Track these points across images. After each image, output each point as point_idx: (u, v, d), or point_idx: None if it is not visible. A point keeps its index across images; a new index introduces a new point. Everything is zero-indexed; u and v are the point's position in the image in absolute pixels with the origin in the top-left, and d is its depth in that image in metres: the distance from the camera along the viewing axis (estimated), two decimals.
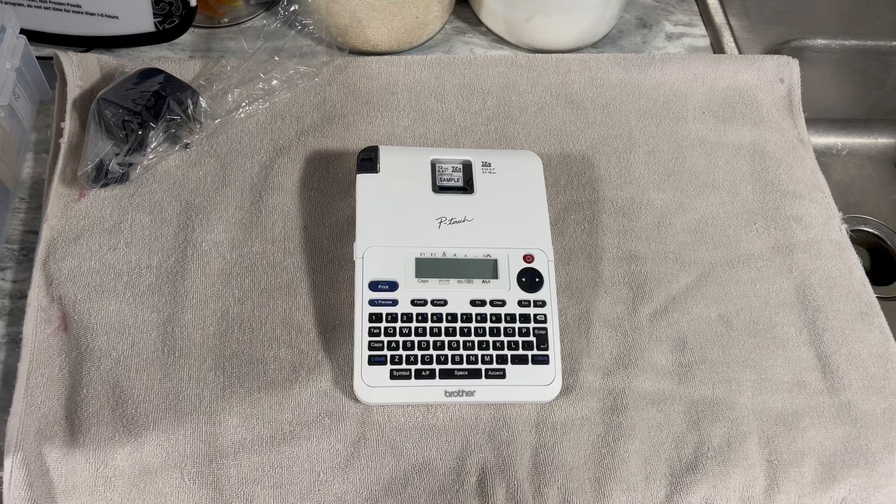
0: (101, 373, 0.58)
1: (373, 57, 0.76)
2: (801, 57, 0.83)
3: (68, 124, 0.68)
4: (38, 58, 0.71)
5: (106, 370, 0.58)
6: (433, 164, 0.65)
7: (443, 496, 0.56)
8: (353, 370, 0.57)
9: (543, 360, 0.58)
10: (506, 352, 0.58)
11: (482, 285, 0.60)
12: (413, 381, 0.57)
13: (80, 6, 0.72)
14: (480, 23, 0.83)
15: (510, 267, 0.61)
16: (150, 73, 0.67)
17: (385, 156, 0.64)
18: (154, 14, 0.74)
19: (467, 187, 0.64)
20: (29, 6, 0.72)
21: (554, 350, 0.58)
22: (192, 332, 0.60)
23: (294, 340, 0.61)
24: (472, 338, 0.58)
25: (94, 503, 0.54)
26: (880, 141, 0.97)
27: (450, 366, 0.57)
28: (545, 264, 0.61)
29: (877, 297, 0.67)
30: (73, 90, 0.69)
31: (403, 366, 0.57)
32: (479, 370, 0.57)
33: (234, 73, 0.71)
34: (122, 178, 0.65)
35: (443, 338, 0.58)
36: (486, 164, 0.65)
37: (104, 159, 0.64)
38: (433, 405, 0.59)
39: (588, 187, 0.71)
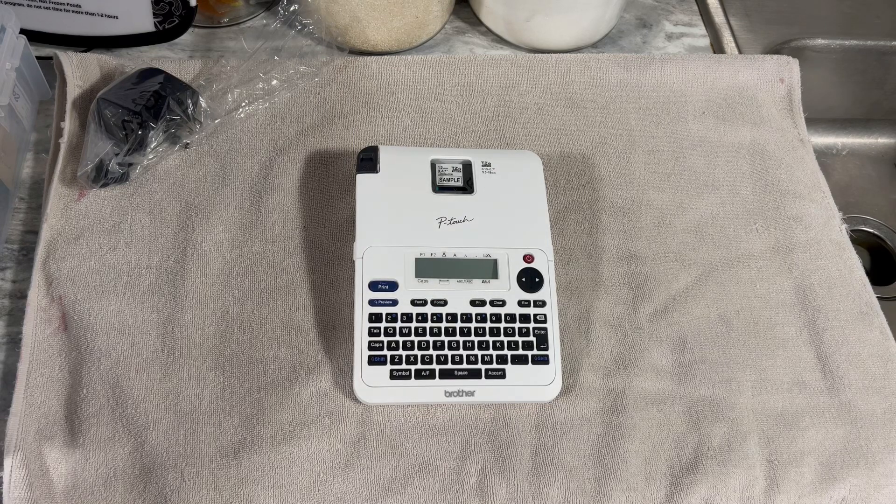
0: (101, 373, 0.58)
1: (373, 57, 0.76)
2: (801, 57, 0.83)
3: (68, 124, 0.68)
4: (38, 58, 0.71)
5: (106, 370, 0.58)
6: (433, 164, 0.65)
7: (443, 496, 0.56)
8: (353, 370, 0.57)
9: (543, 360, 0.58)
10: (506, 352, 0.58)
11: (482, 285, 0.60)
12: (413, 381, 0.57)
13: (80, 6, 0.72)
14: (480, 23, 0.83)
15: (510, 267, 0.61)
16: (150, 73, 0.67)
17: (385, 156, 0.64)
18: (154, 14, 0.74)
19: (467, 187, 0.64)
20: (29, 6, 0.72)
21: (554, 350, 0.58)
22: (192, 332, 0.60)
23: (294, 340, 0.61)
24: (472, 338, 0.58)
25: (94, 503, 0.54)
26: (880, 141, 0.97)
27: (450, 366, 0.57)
28: (545, 264, 0.61)
29: (877, 297, 0.67)
30: (73, 90, 0.69)
31: (403, 366, 0.57)
32: (479, 370, 0.57)
33: (233, 73, 0.71)
34: (122, 178, 0.65)
35: (443, 338, 0.58)
36: (486, 164, 0.65)
37: (104, 159, 0.64)
38: (433, 405, 0.59)
39: (588, 187, 0.71)
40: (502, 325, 0.59)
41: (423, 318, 0.58)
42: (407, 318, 0.58)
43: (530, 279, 0.60)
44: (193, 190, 0.67)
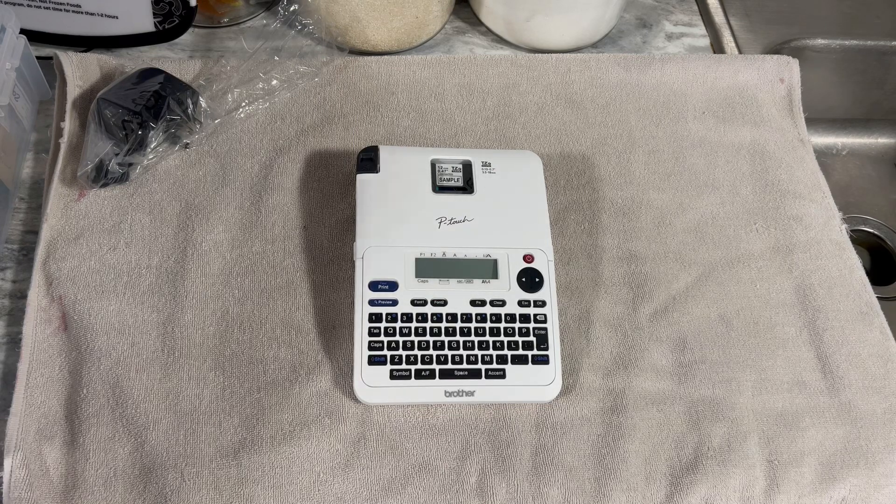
0: (101, 373, 0.58)
1: (373, 57, 0.76)
2: (801, 57, 0.83)
3: (68, 124, 0.68)
4: (38, 58, 0.71)
5: (106, 370, 0.58)
6: (433, 164, 0.65)
7: (443, 496, 0.56)
8: (353, 370, 0.57)
9: (543, 360, 0.58)
10: (506, 352, 0.58)
11: (482, 285, 0.60)
12: (413, 381, 0.57)
13: (80, 6, 0.72)
14: (480, 23, 0.83)
15: (510, 267, 0.61)
16: (150, 73, 0.67)
17: (385, 156, 0.64)
18: (154, 14, 0.74)
19: (467, 187, 0.64)
20: (29, 6, 0.72)
21: (554, 350, 0.58)
22: (192, 332, 0.60)
23: (294, 340, 0.61)
24: (472, 338, 0.58)
25: (94, 503, 0.54)
26: (880, 141, 0.97)
27: (450, 366, 0.57)
28: (545, 264, 0.61)
29: (877, 297, 0.67)
30: (73, 90, 0.69)
31: (403, 366, 0.57)
32: (479, 370, 0.57)
33: (233, 73, 0.71)
34: (122, 178, 0.65)
35: (443, 338, 0.58)
36: (486, 164, 0.65)
37: (104, 159, 0.64)
38: (433, 405, 0.59)
39: (588, 187, 0.71)
40: (502, 325, 0.59)
41: (423, 318, 0.58)
42: (407, 318, 0.58)
43: (530, 279, 0.60)
44: (193, 190, 0.67)
